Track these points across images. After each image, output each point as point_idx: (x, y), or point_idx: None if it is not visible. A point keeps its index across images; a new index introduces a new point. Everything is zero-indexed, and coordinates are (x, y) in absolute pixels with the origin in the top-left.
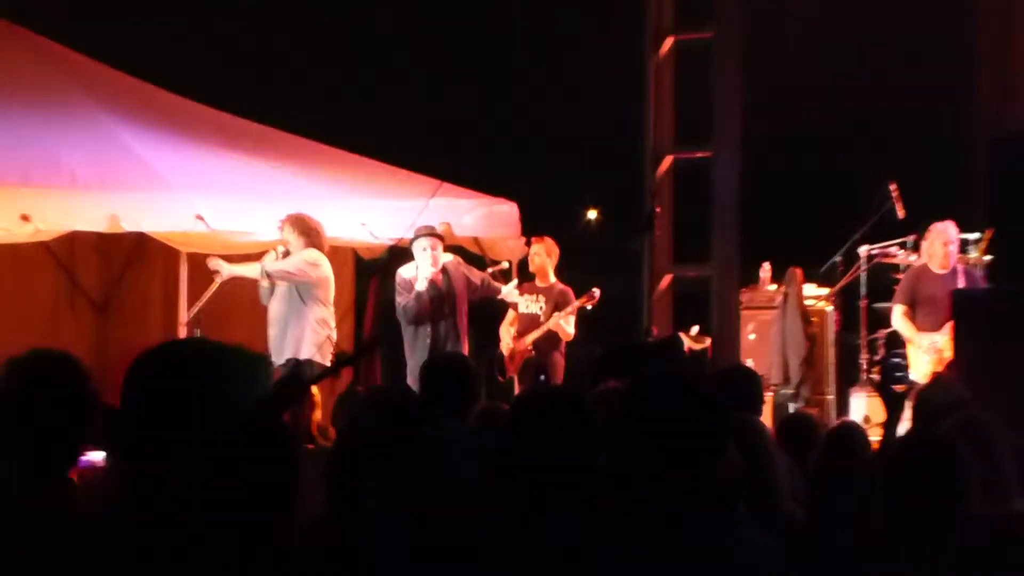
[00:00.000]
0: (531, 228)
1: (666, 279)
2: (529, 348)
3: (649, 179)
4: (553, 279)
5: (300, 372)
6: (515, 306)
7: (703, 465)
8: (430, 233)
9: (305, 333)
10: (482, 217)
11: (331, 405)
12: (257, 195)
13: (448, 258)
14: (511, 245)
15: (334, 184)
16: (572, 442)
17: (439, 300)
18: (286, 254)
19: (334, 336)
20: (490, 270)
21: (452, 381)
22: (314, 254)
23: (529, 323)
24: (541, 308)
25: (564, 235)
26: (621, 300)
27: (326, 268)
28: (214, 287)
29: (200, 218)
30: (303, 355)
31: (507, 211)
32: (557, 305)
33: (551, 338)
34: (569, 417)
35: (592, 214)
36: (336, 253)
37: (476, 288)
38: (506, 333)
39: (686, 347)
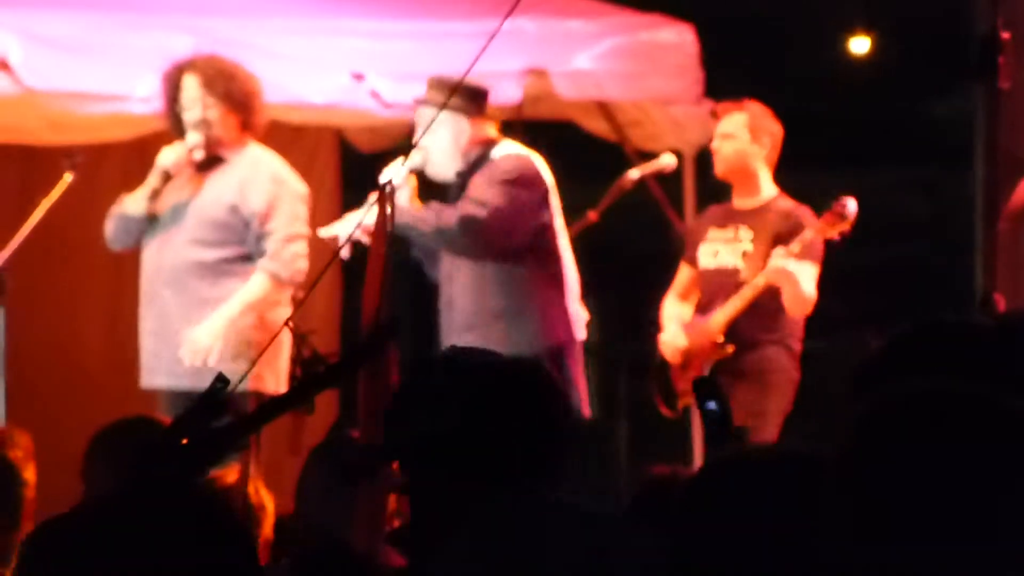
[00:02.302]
0: (720, 86)
1: None
2: (720, 339)
3: None
4: (770, 190)
5: (214, 406)
6: (688, 252)
7: None
8: (470, 97)
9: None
10: (617, 55)
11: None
12: (108, 7)
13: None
14: (683, 117)
15: None
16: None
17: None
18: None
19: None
20: (635, 173)
21: (520, 408)
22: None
23: (721, 286)
24: (745, 252)
25: (791, 98)
26: (919, 232)
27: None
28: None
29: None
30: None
31: (673, 42)
32: (777, 242)
33: (767, 312)
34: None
35: (859, 44)
36: (297, 140)
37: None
38: (673, 310)
39: None
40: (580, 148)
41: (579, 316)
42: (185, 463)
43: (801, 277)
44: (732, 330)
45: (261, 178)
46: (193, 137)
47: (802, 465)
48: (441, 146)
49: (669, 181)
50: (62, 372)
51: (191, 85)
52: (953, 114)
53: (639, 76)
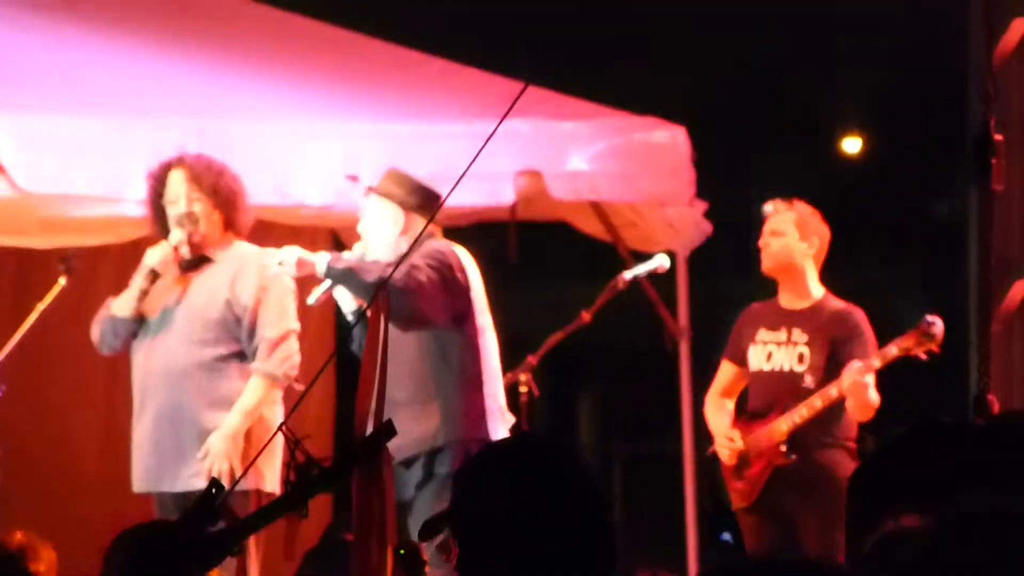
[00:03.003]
0: (711, 187)
1: (1020, 286)
2: (784, 448)
3: (978, 59)
4: (819, 290)
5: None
6: (732, 351)
7: None
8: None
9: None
10: (611, 156)
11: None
12: (103, 109)
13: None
14: (676, 218)
15: (289, 86)
16: None
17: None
18: None
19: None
20: (629, 274)
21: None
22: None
23: (780, 390)
24: (802, 356)
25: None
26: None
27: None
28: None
29: None
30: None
31: (665, 143)
32: (834, 345)
33: (831, 417)
34: None
35: (851, 145)
36: (294, 239)
37: None
38: (717, 413)
39: None
40: (574, 248)
41: (494, 413)
42: (182, 567)
43: (870, 387)
44: (798, 436)
45: (250, 272)
46: (177, 234)
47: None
48: (378, 236)
49: (662, 281)
50: (56, 474)
51: (177, 180)
52: (949, 213)
53: (633, 177)
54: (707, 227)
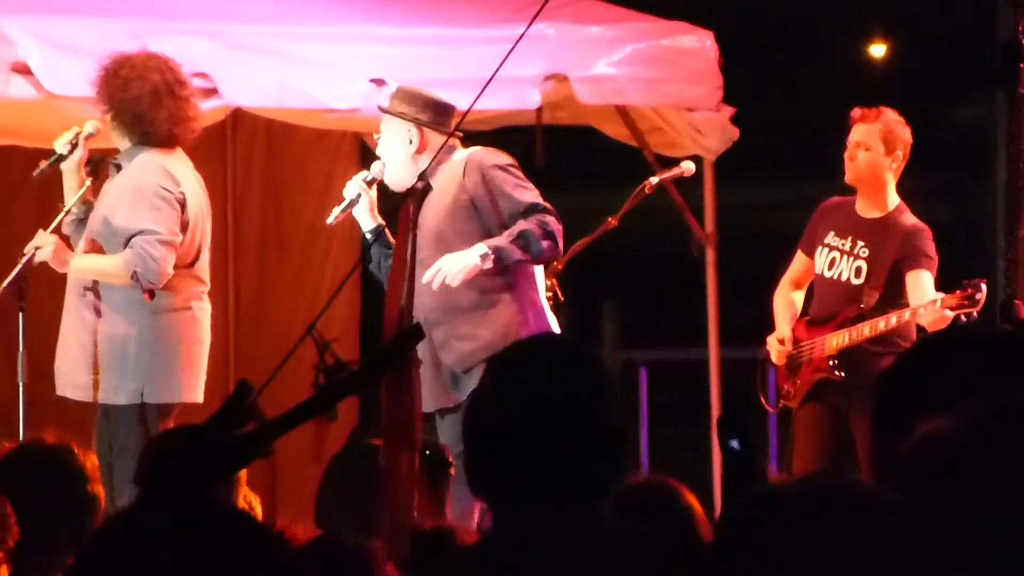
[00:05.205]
0: (738, 91)
1: None
2: (833, 362)
3: None
4: (894, 199)
5: (236, 414)
6: (805, 244)
7: None
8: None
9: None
10: (637, 61)
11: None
12: (127, 15)
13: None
14: (703, 123)
15: None
16: None
17: None
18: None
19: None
20: (656, 179)
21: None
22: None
23: (837, 298)
24: (860, 269)
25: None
26: (938, 236)
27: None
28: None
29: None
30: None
31: (693, 48)
32: (896, 263)
33: (879, 346)
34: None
35: (877, 50)
36: (319, 143)
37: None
38: (785, 303)
39: None
40: (600, 153)
41: (549, 311)
42: (208, 471)
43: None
44: (849, 355)
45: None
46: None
47: (851, 503)
48: (393, 157)
49: (689, 186)
50: None
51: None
52: (975, 119)
53: (659, 82)
54: (734, 132)
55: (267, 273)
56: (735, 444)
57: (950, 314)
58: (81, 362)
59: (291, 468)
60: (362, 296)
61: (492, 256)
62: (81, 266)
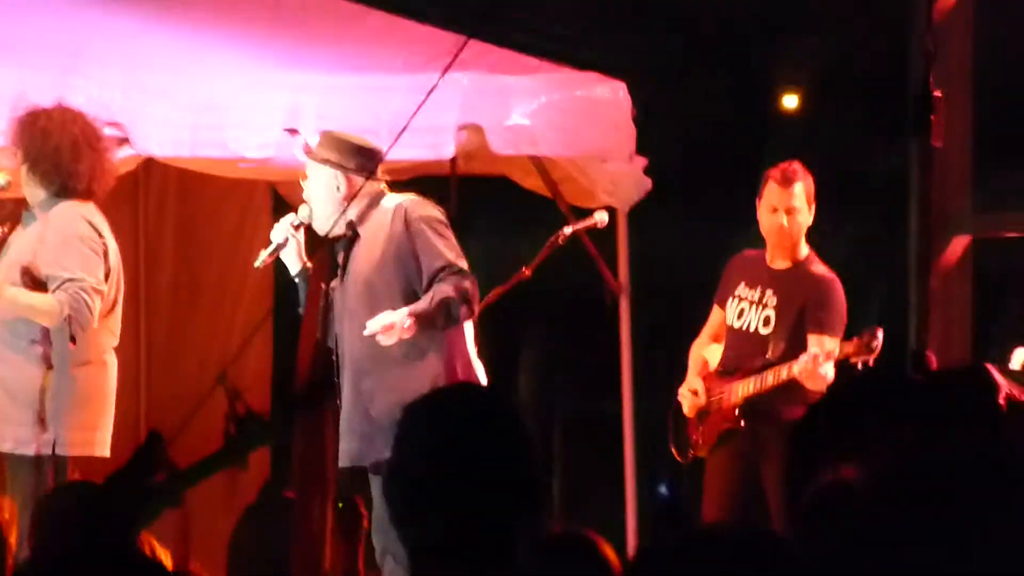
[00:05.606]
0: (651, 141)
1: (959, 242)
2: (735, 412)
3: (919, 16)
4: (804, 249)
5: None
6: (720, 296)
7: None
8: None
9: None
10: (551, 111)
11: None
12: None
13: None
14: (616, 174)
15: (229, 38)
16: None
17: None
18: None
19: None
20: (569, 229)
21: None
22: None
23: (744, 348)
24: (768, 319)
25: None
26: (863, 287)
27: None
28: None
29: None
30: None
31: (607, 99)
32: (801, 313)
33: (787, 395)
34: None
35: (790, 101)
36: (231, 192)
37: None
38: (700, 357)
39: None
40: (514, 204)
41: (478, 363)
42: (120, 522)
43: (827, 369)
44: (753, 406)
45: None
46: None
47: (760, 547)
48: (321, 204)
49: (602, 237)
50: None
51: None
52: (889, 170)
53: (573, 132)
54: (647, 183)
55: (178, 322)
56: (663, 489)
57: (829, 371)
58: None
59: (204, 517)
60: (274, 346)
61: (414, 324)
62: (12, 297)
